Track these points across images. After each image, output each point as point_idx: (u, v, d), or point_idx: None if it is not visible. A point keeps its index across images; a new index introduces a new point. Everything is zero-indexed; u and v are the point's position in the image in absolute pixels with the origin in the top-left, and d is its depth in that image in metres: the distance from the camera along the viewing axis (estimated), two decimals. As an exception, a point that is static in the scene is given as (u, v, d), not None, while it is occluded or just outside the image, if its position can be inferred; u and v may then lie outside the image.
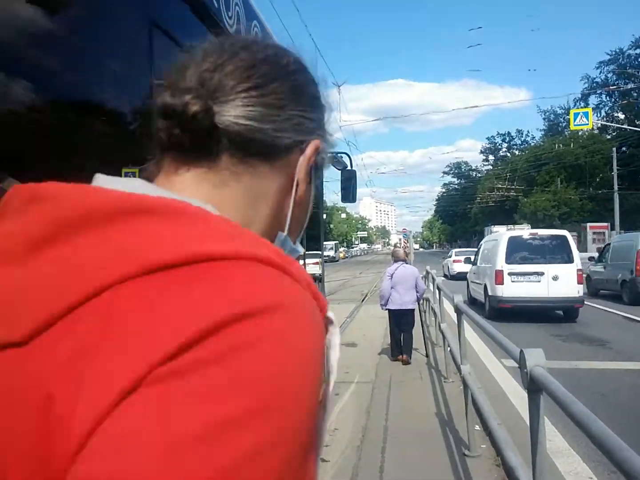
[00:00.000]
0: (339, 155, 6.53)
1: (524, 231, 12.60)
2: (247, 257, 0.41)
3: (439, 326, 7.28)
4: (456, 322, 5.01)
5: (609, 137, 49.17)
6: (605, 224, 38.58)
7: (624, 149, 45.45)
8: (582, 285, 10.90)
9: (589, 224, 40.52)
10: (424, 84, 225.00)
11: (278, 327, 0.38)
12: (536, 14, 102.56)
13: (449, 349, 6.65)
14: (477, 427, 4.56)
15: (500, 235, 12.45)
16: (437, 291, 8.09)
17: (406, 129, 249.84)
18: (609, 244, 15.51)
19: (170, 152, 0.52)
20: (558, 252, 10.95)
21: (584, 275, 12.40)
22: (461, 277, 18.01)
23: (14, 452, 0.36)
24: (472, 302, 13.24)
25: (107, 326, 0.36)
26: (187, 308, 0.37)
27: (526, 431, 4.20)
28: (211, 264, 0.39)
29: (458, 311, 4.61)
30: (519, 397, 5.73)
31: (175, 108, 0.49)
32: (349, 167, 6.61)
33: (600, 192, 43.61)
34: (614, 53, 51.24)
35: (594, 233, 39.75)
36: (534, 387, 2.15)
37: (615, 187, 36.97)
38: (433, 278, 9.23)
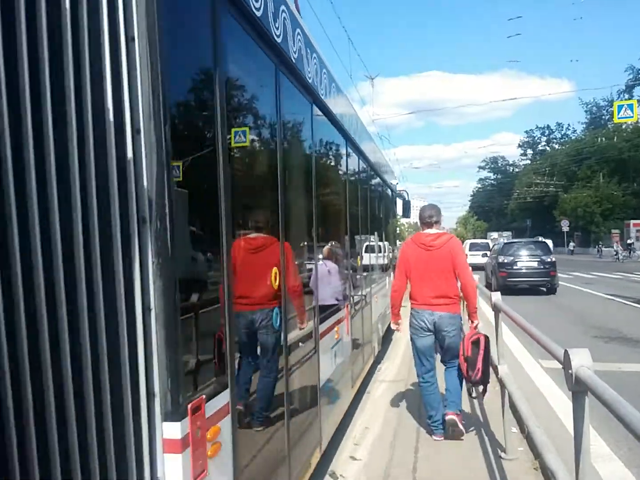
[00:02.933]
0: (402, 191, 11.89)
1: (477, 240, 35.57)
2: (451, 235, 4.79)
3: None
4: (492, 321, 4.88)
5: (655, 130, 47.14)
6: (649, 221, 37.13)
7: (671, 142, 43.52)
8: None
9: (632, 221, 39.03)
10: (461, 75, 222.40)
11: (456, 239, 4.70)
12: (579, 1, 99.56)
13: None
14: (513, 429, 4.42)
15: (468, 241, 33.42)
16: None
17: (441, 122, 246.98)
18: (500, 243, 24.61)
19: (426, 226, 4.70)
20: (486, 247, 27.77)
21: None
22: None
23: (447, 260, 4.46)
24: None
25: (454, 245, 4.56)
26: (453, 237, 4.71)
27: (565, 434, 4.06)
28: (452, 237, 4.68)
29: (496, 309, 4.47)
30: (557, 399, 5.55)
31: (427, 220, 4.69)
32: (407, 199, 11.82)
33: (645, 187, 41.95)
34: (661, 42, 49.09)
35: (637, 230, 38.28)
36: (579, 388, 2.05)
37: (662, 182, 35.44)
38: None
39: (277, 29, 2.70)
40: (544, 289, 16.28)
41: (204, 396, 1.76)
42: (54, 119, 1.26)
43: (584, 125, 62.94)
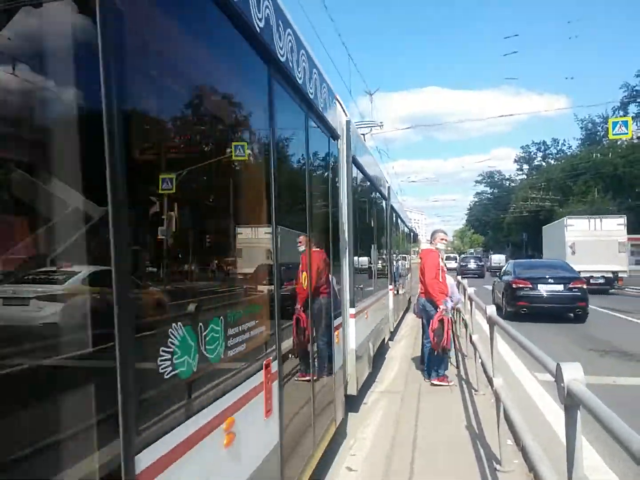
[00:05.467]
0: (413, 227, 26.11)
1: (450, 254, 54.16)
2: (431, 250, 7.16)
3: (470, 337, 7.16)
4: (488, 333, 4.93)
5: (649, 146, 47.51)
6: (644, 235, 37.37)
7: (665, 159, 43.85)
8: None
9: (627, 236, 39.20)
10: (460, 91, 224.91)
11: (430, 254, 6.97)
12: (574, 19, 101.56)
13: (479, 361, 6.53)
14: (509, 442, 4.46)
15: (445, 254, 32.78)
16: (468, 302, 7.98)
17: (441, 137, 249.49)
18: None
19: (428, 244, 7.61)
20: (455, 259, 50.36)
21: None
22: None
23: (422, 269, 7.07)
24: None
25: (424, 258, 7.00)
26: (429, 253, 7.03)
27: (560, 447, 4.09)
28: (430, 252, 7.05)
29: (491, 322, 4.53)
30: (552, 412, 5.59)
31: (430, 240, 7.41)
32: (415, 232, 27.35)
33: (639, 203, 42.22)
34: (655, 60, 49.63)
35: (632, 245, 38.49)
36: (571, 402, 2.10)
37: (656, 198, 35.62)
38: (465, 288, 9.10)
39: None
40: (477, 276, 36.84)
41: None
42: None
43: (580, 141, 63.44)
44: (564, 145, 71.42)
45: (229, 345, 2.18)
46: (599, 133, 58.79)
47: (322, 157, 4.49)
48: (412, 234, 20.63)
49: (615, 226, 22.62)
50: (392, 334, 10.22)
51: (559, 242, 23.56)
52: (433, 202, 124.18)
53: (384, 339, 8.46)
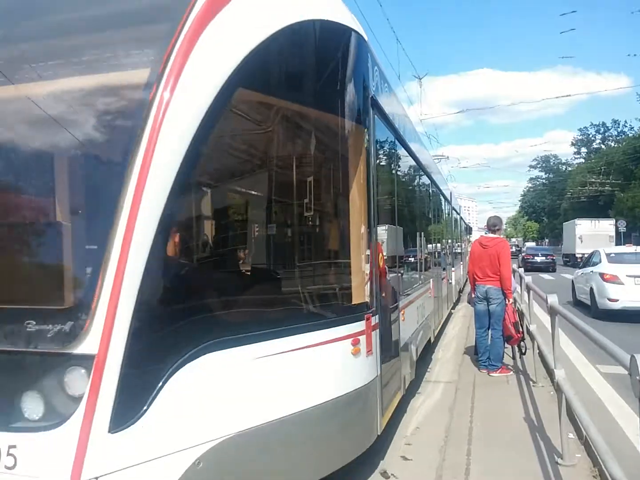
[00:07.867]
0: (468, 222, 33.22)
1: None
2: (502, 239, 7.22)
3: (527, 328, 6.96)
4: (548, 324, 4.77)
5: None
6: None
7: None
8: None
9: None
10: (513, 73, 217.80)
11: (503, 243, 7.00)
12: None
13: (537, 352, 6.35)
14: (570, 435, 4.32)
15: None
16: (525, 291, 7.76)
17: (492, 121, 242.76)
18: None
19: (490, 232, 7.17)
20: None
21: None
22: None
23: (494, 255, 6.75)
24: None
25: (500, 246, 6.85)
26: (502, 241, 7.16)
27: (625, 443, 3.93)
28: (502, 241, 7.11)
29: (552, 312, 4.37)
30: (617, 406, 5.38)
31: (492, 228, 7.16)
32: (470, 226, 33.54)
33: None
34: None
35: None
36: (647, 396, 2.01)
37: None
38: (521, 277, 8.84)
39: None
40: (515, 257, 37.68)
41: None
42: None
43: (643, 122, 59.85)
44: (625, 126, 67.49)
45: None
46: (664, 112, 55.23)
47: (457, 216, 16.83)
48: (468, 228, 27.91)
49: (607, 226, 35.13)
50: (460, 292, 16.19)
51: (572, 235, 36.04)
52: (485, 188, 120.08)
53: (459, 290, 15.81)
